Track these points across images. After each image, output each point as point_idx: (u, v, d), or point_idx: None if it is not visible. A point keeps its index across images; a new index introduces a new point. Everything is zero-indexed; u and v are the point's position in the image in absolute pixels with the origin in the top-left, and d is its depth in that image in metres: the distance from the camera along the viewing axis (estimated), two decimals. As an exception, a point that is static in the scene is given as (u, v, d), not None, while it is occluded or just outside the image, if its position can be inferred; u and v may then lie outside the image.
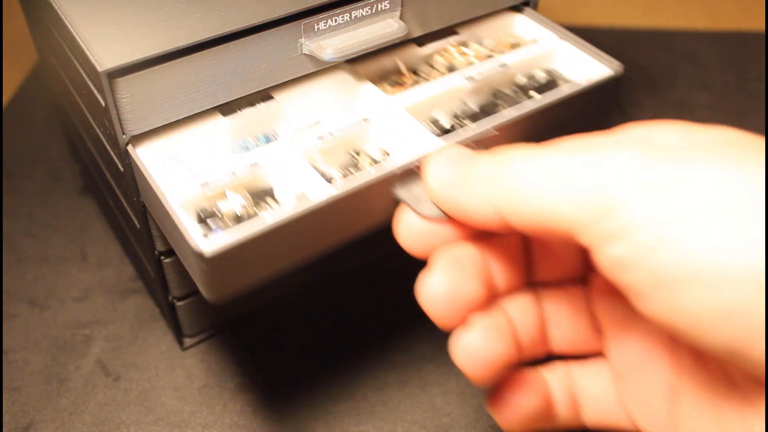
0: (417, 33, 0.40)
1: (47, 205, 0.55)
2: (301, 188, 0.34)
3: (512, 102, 0.39)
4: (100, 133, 0.37)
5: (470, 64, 0.41)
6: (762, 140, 0.22)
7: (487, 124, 0.34)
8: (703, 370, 0.25)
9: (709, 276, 0.20)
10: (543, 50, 0.41)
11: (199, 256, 0.28)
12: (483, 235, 0.29)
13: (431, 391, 0.43)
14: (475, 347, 0.26)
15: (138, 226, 0.38)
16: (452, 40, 0.42)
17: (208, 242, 0.28)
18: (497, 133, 0.34)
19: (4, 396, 0.43)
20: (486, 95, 0.40)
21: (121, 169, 0.35)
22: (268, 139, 0.37)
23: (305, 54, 0.36)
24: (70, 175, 0.58)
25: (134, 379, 0.44)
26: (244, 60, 0.35)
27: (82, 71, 0.35)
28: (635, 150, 0.22)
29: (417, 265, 0.29)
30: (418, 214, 0.29)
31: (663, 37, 0.73)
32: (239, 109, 0.37)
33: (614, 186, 0.21)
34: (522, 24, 0.44)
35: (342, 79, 0.39)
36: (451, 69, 0.41)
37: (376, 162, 0.36)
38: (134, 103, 0.33)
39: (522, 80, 0.41)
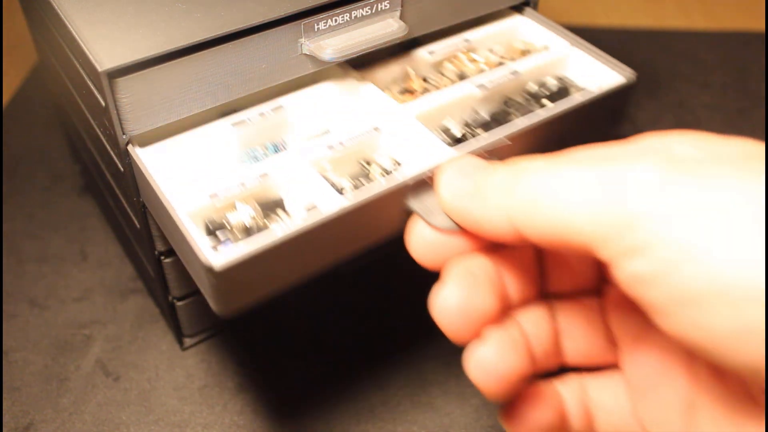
0: (417, 33, 0.40)
1: (47, 205, 0.55)
2: (312, 199, 0.33)
3: (524, 110, 0.38)
4: (100, 133, 0.37)
5: (481, 71, 0.41)
6: None
7: (500, 134, 0.33)
8: (720, 384, 0.24)
9: (733, 293, 0.19)
10: (554, 57, 0.41)
11: (209, 270, 0.27)
12: (496, 246, 0.28)
13: (431, 391, 0.43)
14: (489, 362, 0.26)
15: (138, 226, 0.38)
16: (462, 46, 0.42)
17: (218, 256, 0.27)
18: (510, 142, 0.33)
19: (4, 396, 0.43)
20: (497, 103, 0.40)
21: (121, 169, 0.35)
22: (276, 148, 0.37)
23: (305, 54, 0.36)
24: (70, 175, 0.58)
25: (134, 379, 0.44)
26: (244, 60, 0.35)
27: (82, 71, 0.35)
28: (656, 163, 0.21)
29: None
30: (430, 225, 0.28)
31: (663, 37, 0.73)
32: (248, 119, 0.36)
33: (635, 200, 0.21)
34: (532, 30, 0.44)
35: (351, 86, 0.38)
36: (462, 76, 0.41)
37: (387, 172, 0.35)
38: (134, 103, 0.33)
39: (533, 88, 0.40)
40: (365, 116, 0.38)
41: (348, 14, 0.37)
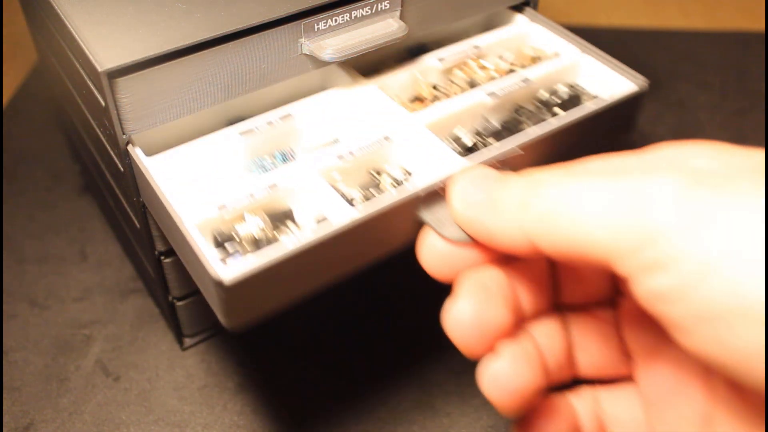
0: (417, 33, 0.40)
1: (47, 206, 0.55)
2: (322, 210, 0.33)
3: (535, 118, 0.38)
4: (100, 133, 0.37)
5: (491, 78, 0.40)
6: None
7: (512, 143, 0.33)
8: (738, 398, 0.24)
9: (758, 310, 0.19)
10: (565, 64, 0.40)
11: (218, 284, 0.26)
12: (508, 258, 0.27)
13: (431, 391, 0.43)
14: (504, 376, 0.25)
15: (138, 226, 0.38)
16: (471, 53, 0.41)
17: (228, 269, 0.27)
18: (522, 152, 0.33)
19: (4, 396, 0.43)
20: (508, 111, 0.39)
21: (121, 169, 0.35)
22: (285, 157, 0.36)
23: (305, 54, 0.36)
24: (70, 175, 0.58)
25: (134, 379, 0.44)
26: (244, 60, 0.35)
27: (82, 71, 0.35)
28: (676, 177, 0.21)
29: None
30: (442, 236, 0.28)
31: (663, 37, 0.73)
32: (256, 128, 0.36)
33: (655, 214, 0.20)
34: (542, 36, 0.43)
35: (360, 94, 0.38)
36: (472, 84, 0.40)
37: (397, 182, 0.35)
38: (134, 103, 0.33)
39: (544, 95, 0.40)
40: (375, 125, 0.37)
41: (348, 14, 0.37)
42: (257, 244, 0.31)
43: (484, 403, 0.42)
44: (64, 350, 0.45)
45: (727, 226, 0.19)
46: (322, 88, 0.39)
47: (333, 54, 0.36)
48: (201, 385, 0.43)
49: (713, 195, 0.20)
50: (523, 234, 0.24)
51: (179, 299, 0.42)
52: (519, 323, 0.28)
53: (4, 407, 0.42)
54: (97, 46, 0.32)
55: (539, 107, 0.39)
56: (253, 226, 0.32)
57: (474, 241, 0.27)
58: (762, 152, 0.22)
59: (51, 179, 0.58)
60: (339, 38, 0.37)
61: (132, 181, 0.35)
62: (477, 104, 0.38)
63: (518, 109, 0.39)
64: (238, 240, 0.32)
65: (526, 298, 0.28)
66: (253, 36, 0.34)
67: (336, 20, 0.36)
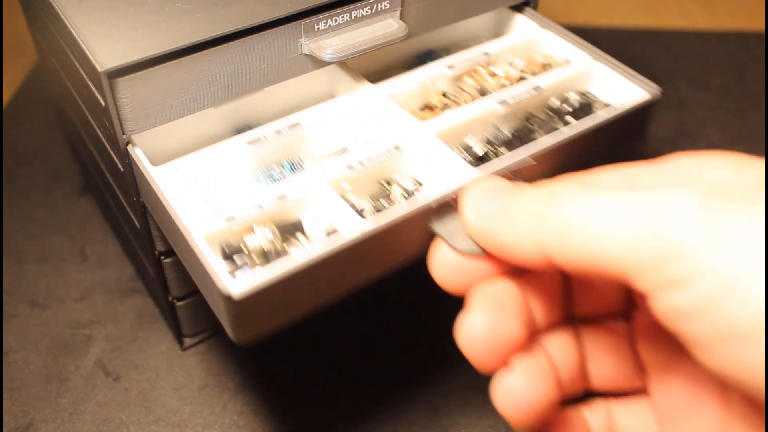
0: (417, 33, 0.40)
1: (47, 205, 0.55)
2: (332, 222, 0.32)
3: (546, 126, 0.38)
4: (100, 133, 0.37)
5: (501, 86, 0.40)
6: None
7: (524, 153, 0.32)
8: (755, 413, 0.24)
9: None
10: (577, 72, 0.40)
11: (228, 298, 0.26)
12: (520, 270, 0.27)
13: (431, 390, 0.43)
14: (517, 391, 0.25)
15: (138, 226, 0.38)
16: (481, 60, 0.41)
17: (237, 283, 0.26)
18: (535, 162, 0.32)
19: (4, 396, 0.43)
20: (519, 120, 0.39)
21: (121, 169, 0.35)
22: (293, 166, 0.36)
23: (305, 54, 0.36)
24: (70, 175, 0.58)
25: (134, 379, 0.44)
26: (244, 60, 0.35)
27: (82, 71, 0.35)
28: (695, 191, 0.21)
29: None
30: (454, 248, 0.27)
31: (663, 37, 0.73)
32: (264, 136, 0.35)
33: (675, 230, 0.20)
34: (552, 42, 0.43)
35: (370, 102, 0.38)
36: (482, 91, 0.40)
37: (408, 192, 0.34)
38: (134, 103, 0.33)
39: (555, 103, 0.39)
40: (385, 134, 0.37)
41: (348, 14, 0.37)
42: (266, 256, 0.31)
43: (484, 403, 0.42)
44: (64, 350, 0.45)
45: (750, 243, 0.19)
46: (330, 95, 0.39)
47: (333, 54, 0.36)
48: (201, 385, 0.43)
49: (734, 210, 0.20)
50: (538, 247, 0.24)
51: (179, 299, 0.42)
52: (532, 336, 0.27)
53: (4, 407, 0.42)
54: (97, 46, 0.32)
55: (550, 115, 0.39)
56: (262, 238, 0.31)
57: (486, 253, 0.27)
58: None
59: (51, 179, 0.58)
60: (339, 38, 0.36)
61: (132, 181, 0.35)
62: (488, 112, 0.37)
63: (529, 118, 0.39)
64: (246, 252, 0.31)
65: (539, 311, 0.28)
66: (253, 36, 0.34)
67: (336, 20, 0.36)
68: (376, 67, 0.42)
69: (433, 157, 0.34)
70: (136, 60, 0.32)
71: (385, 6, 0.38)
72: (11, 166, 0.59)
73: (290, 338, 0.46)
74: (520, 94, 0.38)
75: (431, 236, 0.29)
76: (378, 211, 0.33)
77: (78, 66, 0.35)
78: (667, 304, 0.21)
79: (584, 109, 0.39)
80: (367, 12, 0.37)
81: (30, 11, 0.46)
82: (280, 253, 0.31)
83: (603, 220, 0.22)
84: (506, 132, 0.38)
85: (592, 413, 0.28)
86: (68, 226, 0.54)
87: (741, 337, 0.19)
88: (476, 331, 0.25)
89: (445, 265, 0.28)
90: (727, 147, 0.59)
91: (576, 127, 0.34)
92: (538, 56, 0.43)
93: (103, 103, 0.33)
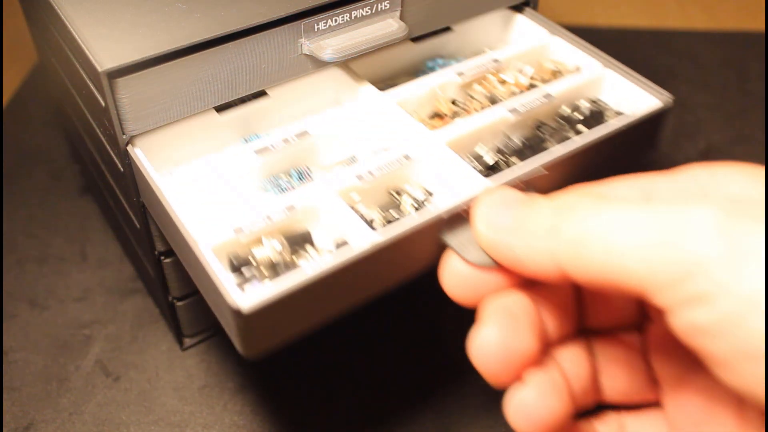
0: (417, 33, 0.40)
1: (47, 205, 0.55)
2: (341, 233, 0.32)
3: (557, 135, 0.37)
4: (100, 133, 0.37)
5: (511, 93, 0.40)
6: None
7: (536, 162, 0.32)
8: None
9: None
10: (588, 79, 0.39)
11: (237, 312, 0.26)
12: (532, 282, 0.27)
13: (431, 390, 0.43)
14: (531, 406, 0.25)
15: (138, 226, 0.38)
16: (491, 67, 0.40)
17: (246, 297, 0.26)
18: (547, 172, 0.32)
19: (4, 396, 0.43)
20: (529, 128, 0.38)
21: (121, 169, 0.35)
22: (301, 175, 0.36)
23: (305, 54, 0.36)
24: (70, 175, 0.58)
25: (134, 379, 0.44)
26: (244, 60, 0.35)
27: (82, 71, 0.35)
28: (715, 207, 0.20)
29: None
30: (465, 260, 0.27)
31: (663, 37, 0.73)
32: (271, 145, 0.35)
33: (696, 247, 0.20)
34: (562, 49, 0.42)
35: (378, 110, 0.37)
36: (492, 98, 0.39)
37: (418, 202, 0.34)
38: (134, 103, 0.33)
39: (566, 111, 0.39)
40: (395, 143, 0.36)
41: (348, 14, 0.37)
42: (275, 268, 0.30)
43: (484, 403, 0.42)
44: (64, 350, 0.45)
45: None
46: (337, 102, 0.39)
47: (333, 54, 0.36)
48: (201, 385, 0.43)
49: (755, 226, 0.20)
50: (553, 260, 0.23)
51: (179, 299, 0.42)
52: (544, 349, 0.27)
53: (4, 407, 0.42)
54: (97, 46, 0.32)
55: (561, 123, 0.38)
56: (271, 250, 0.31)
57: (498, 265, 0.26)
58: None
59: (51, 179, 0.58)
60: (339, 38, 0.36)
61: (132, 181, 0.35)
62: (498, 121, 0.37)
63: (540, 126, 0.38)
64: (254, 264, 0.30)
65: (551, 323, 0.28)
66: (253, 36, 0.34)
67: (336, 20, 0.36)
68: (384, 74, 0.42)
69: (443, 166, 0.34)
70: (136, 60, 0.32)
71: (385, 6, 0.38)
72: (11, 166, 0.59)
73: (290, 338, 0.46)
74: (530, 101, 0.37)
75: (442, 248, 0.29)
76: (388, 221, 0.33)
77: (78, 66, 0.35)
78: (687, 321, 0.20)
79: (595, 117, 0.38)
80: (367, 12, 0.37)
81: (30, 11, 0.46)
82: (288, 265, 0.31)
83: (621, 234, 0.21)
84: (516, 140, 0.37)
85: (605, 426, 0.28)
86: (68, 226, 0.54)
87: (762, 356, 0.19)
88: (489, 345, 0.25)
89: (456, 277, 0.27)
90: (727, 147, 0.59)
91: (588, 135, 0.33)
92: (548, 63, 0.42)
93: (103, 103, 0.33)
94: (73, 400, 0.43)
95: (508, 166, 0.36)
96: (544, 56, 0.43)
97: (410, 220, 0.29)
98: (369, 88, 0.38)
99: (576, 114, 0.39)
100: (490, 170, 0.35)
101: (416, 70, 0.43)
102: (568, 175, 0.33)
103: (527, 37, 0.44)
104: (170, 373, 0.44)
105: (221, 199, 0.34)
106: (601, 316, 0.29)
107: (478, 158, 0.36)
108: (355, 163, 0.37)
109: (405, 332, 0.46)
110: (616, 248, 0.21)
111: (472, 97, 0.40)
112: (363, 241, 0.28)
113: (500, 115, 0.37)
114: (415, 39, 0.42)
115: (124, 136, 0.34)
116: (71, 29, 0.34)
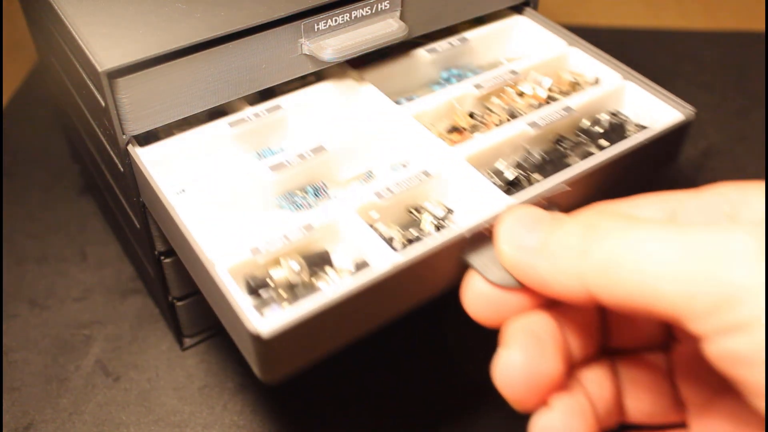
0: (417, 33, 0.40)
1: (47, 205, 0.55)
2: (360, 252, 0.31)
3: (578, 149, 0.36)
4: (100, 133, 0.37)
5: (530, 105, 0.39)
6: None
7: (558, 179, 0.31)
8: None
9: None
10: (607, 91, 0.38)
11: (256, 338, 0.25)
12: (556, 302, 0.26)
13: (431, 390, 0.43)
14: (558, 431, 0.24)
15: (138, 226, 0.38)
16: (508, 79, 0.40)
17: (265, 321, 0.25)
18: (569, 188, 0.31)
19: (4, 396, 0.43)
20: (549, 142, 0.37)
21: (121, 169, 0.35)
22: (317, 192, 0.35)
23: (305, 54, 0.36)
24: (70, 175, 0.58)
25: (134, 379, 0.44)
26: (244, 60, 0.35)
27: (82, 71, 0.35)
28: (752, 234, 0.20)
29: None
30: (488, 280, 0.26)
31: (663, 37, 0.73)
32: (287, 161, 0.34)
33: (734, 274, 0.20)
34: (581, 60, 0.41)
35: (397, 126, 0.37)
36: (510, 111, 0.39)
37: (438, 220, 0.33)
38: (134, 103, 0.33)
39: (586, 124, 0.38)
40: (412, 158, 0.36)
41: (348, 14, 0.37)
42: (293, 290, 0.30)
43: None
44: (64, 350, 0.45)
45: None
46: (354, 116, 0.38)
47: (333, 54, 0.36)
48: (201, 385, 0.43)
49: None
50: (581, 282, 0.23)
51: (179, 299, 0.42)
52: (569, 371, 0.27)
53: (4, 407, 0.42)
54: (97, 46, 0.32)
55: (581, 137, 0.37)
56: (289, 271, 0.30)
57: (522, 286, 0.26)
58: None
59: (51, 179, 0.58)
60: (339, 38, 0.36)
61: (132, 181, 0.35)
62: (518, 135, 0.36)
63: (559, 140, 0.37)
64: (272, 286, 0.30)
65: (576, 344, 0.27)
66: (253, 36, 0.34)
67: (336, 20, 0.36)
68: (396, 86, 0.41)
69: (464, 183, 0.33)
70: (136, 60, 0.32)
71: (385, 6, 0.38)
72: (11, 166, 0.59)
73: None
74: (550, 115, 0.36)
75: (464, 267, 0.28)
76: (408, 240, 0.32)
77: (78, 66, 0.35)
78: (724, 349, 0.20)
79: (616, 130, 0.37)
80: (367, 12, 0.37)
81: (30, 11, 0.46)
82: (307, 287, 0.30)
83: (654, 257, 0.21)
84: (536, 155, 0.36)
85: None
86: (68, 226, 0.54)
87: None
88: (514, 370, 0.24)
89: (479, 297, 0.27)
90: (727, 147, 0.59)
91: (611, 150, 0.33)
92: (567, 74, 0.41)
93: (103, 103, 0.33)
94: (73, 400, 0.43)
95: (529, 181, 0.35)
96: (562, 67, 0.42)
97: (432, 240, 0.28)
98: (385, 101, 0.37)
99: (596, 127, 0.38)
100: (510, 186, 0.34)
101: (430, 81, 0.42)
102: (589, 190, 0.33)
103: (544, 47, 0.43)
104: (170, 373, 0.44)
105: (236, 216, 0.33)
106: (625, 336, 0.28)
107: (498, 174, 0.35)
108: (371, 179, 0.36)
109: (405, 333, 0.46)
110: (649, 272, 0.21)
111: (490, 110, 0.39)
112: (383, 261, 0.28)
113: (520, 129, 0.36)
114: (430, 50, 0.41)
115: (124, 136, 0.34)
116: (71, 29, 0.34)
